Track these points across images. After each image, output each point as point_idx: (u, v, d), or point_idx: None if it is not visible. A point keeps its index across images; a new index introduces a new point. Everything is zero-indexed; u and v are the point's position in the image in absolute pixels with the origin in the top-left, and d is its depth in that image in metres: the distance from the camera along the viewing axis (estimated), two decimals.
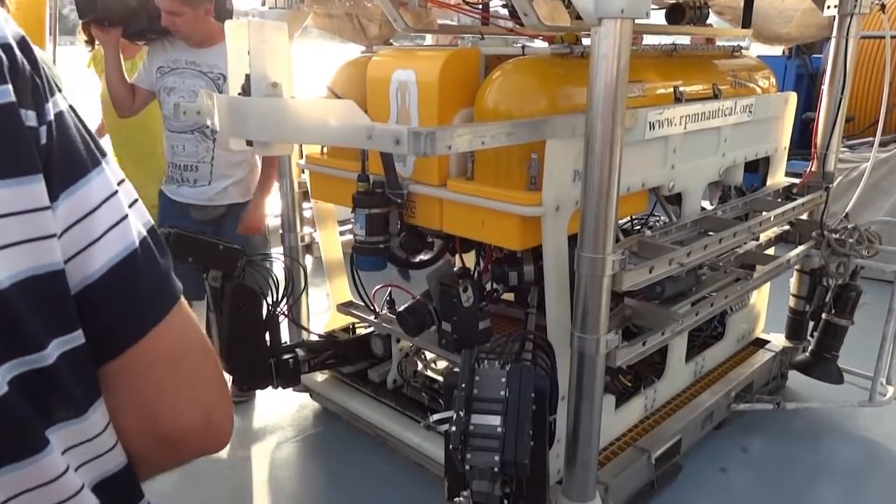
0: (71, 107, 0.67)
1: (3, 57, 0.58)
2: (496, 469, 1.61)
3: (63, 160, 0.62)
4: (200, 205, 3.22)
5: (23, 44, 0.61)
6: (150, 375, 0.69)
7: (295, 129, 1.81)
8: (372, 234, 2.36)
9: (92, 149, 0.66)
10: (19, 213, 0.57)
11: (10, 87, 0.57)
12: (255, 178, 3.28)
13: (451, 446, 1.61)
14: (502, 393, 1.73)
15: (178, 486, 2.80)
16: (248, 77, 2.19)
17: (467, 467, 1.63)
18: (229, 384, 3.36)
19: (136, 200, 0.70)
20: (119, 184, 0.68)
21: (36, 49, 0.64)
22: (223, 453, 3.02)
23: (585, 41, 2.31)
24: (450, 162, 2.33)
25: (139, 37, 3.19)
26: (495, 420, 1.68)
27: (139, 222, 0.69)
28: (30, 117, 0.59)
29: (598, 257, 1.91)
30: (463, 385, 1.69)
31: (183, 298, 0.72)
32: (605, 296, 1.96)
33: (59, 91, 0.66)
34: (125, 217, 0.66)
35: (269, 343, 2.73)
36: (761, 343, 3.49)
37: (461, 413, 1.64)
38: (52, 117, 0.62)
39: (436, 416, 1.74)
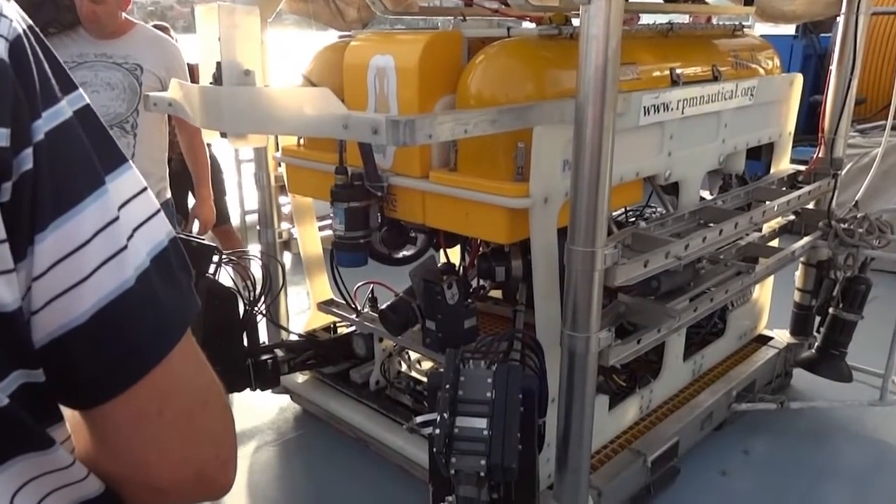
0: (81, 109, 0.62)
1: None
2: (482, 473, 1.65)
3: (55, 185, 0.58)
4: None
5: (16, 45, 0.57)
6: (136, 430, 0.66)
7: (268, 119, 1.83)
8: (351, 229, 2.39)
9: (94, 165, 0.61)
10: None
11: None
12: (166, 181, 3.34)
13: (434, 450, 1.64)
14: (488, 394, 1.76)
15: None
16: (219, 65, 2.21)
17: (452, 472, 1.66)
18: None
19: (149, 218, 0.65)
20: (124, 205, 0.63)
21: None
22: None
23: (576, 21, 2.33)
24: (432, 152, 2.35)
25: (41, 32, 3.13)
26: (481, 423, 1.71)
27: (145, 248, 0.64)
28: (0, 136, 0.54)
29: (589, 251, 1.93)
30: (447, 386, 1.72)
31: (189, 336, 0.67)
32: (597, 291, 1.98)
33: (69, 92, 0.62)
34: (122, 249, 0.61)
35: (246, 343, 2.76)
36: (764, 340, 3.52)
37: (445, 415, 1.67)
38: (42, 136, 0.58)
39: (419, 419, 1.77)
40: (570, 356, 2.05)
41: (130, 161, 0.66)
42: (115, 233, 0.61)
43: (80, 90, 0.64)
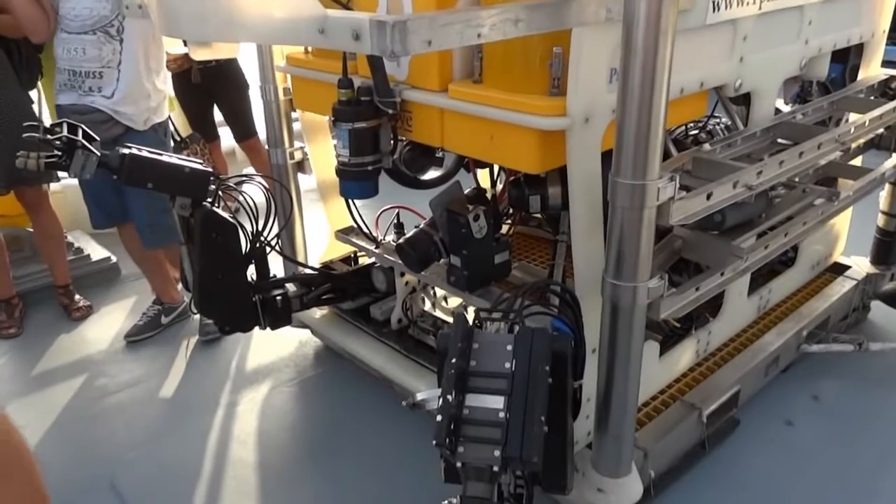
0: None
1: None
2: (496, 468, 1.32)
3: None
4: (99, 120, 2.80)
5: None
6: None
7: (231, 23, 1.43)
8: (358, 154, 2.01)
9: None
10: None
11: None
12: (164, 106, 2.98)
13: (434, 441, 1.31)
14: (507, 366, 1.42)
15: (161, 433, 2.63)
16: None
17: (459, 464, 1.34)
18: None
19: None
20: None
21: None
22: (213, 397, 2.82)
23: None
24: (453, 61, 1.93)
25: None
26: (497, 402, 1.38)
27: None
28: None
29: (638, 184, 1.54)
30: (453, 360, 1.37)
31: None
32: (647, 233, 1.60)
33: None
34: None
35: (254, 278, 2.45)
36: (840, 269, 3.10)
37: (450, 397, 1.33)
38: None
39: (420, 395, 1.45)
40: (612, 309, 1.69)
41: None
42: None
43: None
